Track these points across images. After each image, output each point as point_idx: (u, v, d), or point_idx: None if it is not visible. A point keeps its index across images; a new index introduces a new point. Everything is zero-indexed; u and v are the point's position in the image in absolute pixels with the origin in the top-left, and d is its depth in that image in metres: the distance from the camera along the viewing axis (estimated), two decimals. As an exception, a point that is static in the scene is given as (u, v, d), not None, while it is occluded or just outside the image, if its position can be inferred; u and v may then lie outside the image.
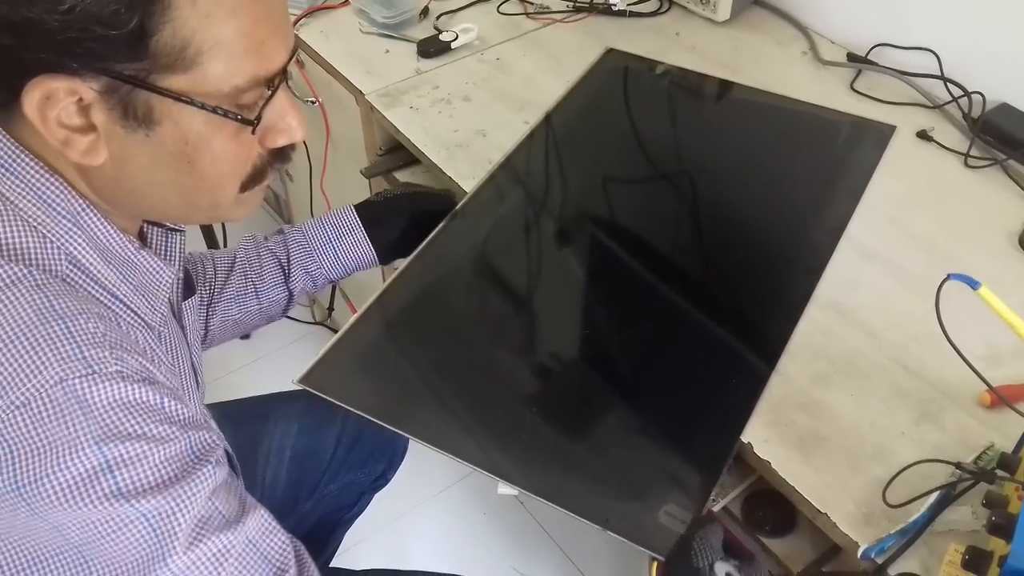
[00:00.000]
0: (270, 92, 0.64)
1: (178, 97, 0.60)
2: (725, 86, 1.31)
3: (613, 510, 0.81)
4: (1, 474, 0.57)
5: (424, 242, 1.04)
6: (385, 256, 1.06)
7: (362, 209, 1.04)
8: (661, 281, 1.06)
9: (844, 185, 1.13)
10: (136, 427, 0.60)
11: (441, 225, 1.06)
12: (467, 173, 1.15)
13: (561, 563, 1.63)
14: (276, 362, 1.96)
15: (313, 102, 1.44)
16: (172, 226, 0.77)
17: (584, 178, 1.19)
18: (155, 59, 0.58)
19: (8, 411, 0.57)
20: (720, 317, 1.01)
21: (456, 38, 1.34)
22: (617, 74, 1.34)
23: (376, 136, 1.31)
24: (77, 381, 0.58)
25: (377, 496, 1.29)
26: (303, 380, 0.91)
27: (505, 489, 0.88)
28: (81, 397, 0.58)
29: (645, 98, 1.32)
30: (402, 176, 1.31)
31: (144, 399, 0.61)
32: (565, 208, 1.16)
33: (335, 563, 1.30)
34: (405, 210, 1.06)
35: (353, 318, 0.98)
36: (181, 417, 0.63)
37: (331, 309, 1.60)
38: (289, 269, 1.02)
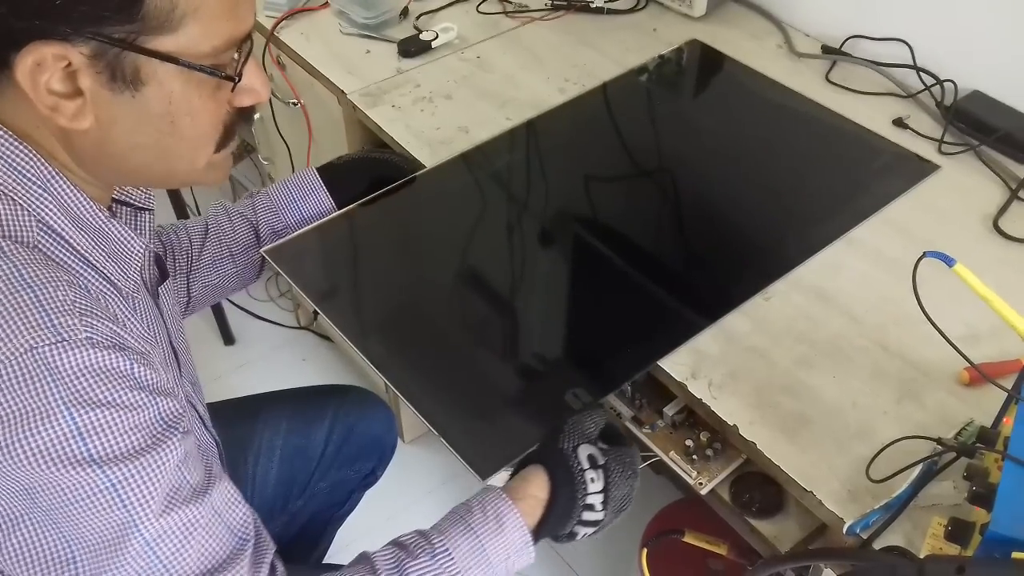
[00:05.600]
0: (244, 52, 0.66)
1: (167, 58, 0.61)
2: (786, 93, 1.29)
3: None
4: None
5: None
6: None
7: (323, 171, 1.08)
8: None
9: (858, 205, 1.10)
10: (106, 394, 0.60)
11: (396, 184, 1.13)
12: (450, 169, 1.16)
13: (552, 561, 1.64)
14: (261, 367, 1.96)
15: (295, 103, 1.44)
16: (140, 204, 0.78)
17: (618, 164, 1.22)
18: (145, 21, 0.59)
19: None
20: (672, 271, 1.07)
21: (436, 37, 1.35)
22: (694, 62, 1.38)
23: (359, 135, 1.32)
24: (47, 348, 0.58)
25: (367, 497, 1.29)
26: (269, 251, 1.02)
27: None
28: (51, 364, 0.58)
29: (708, 92, 1.36)
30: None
31: (114, 365, 0.61)
32: (579, 192, 1.19)
33: (327, 561, 1.30)
34: (365, 174, 1.12)
35: (335, 214, 1.08)
36: (150, 383, 0.64)
37: (316, 313, 1.60)
38: (259, 231, 1.05)
